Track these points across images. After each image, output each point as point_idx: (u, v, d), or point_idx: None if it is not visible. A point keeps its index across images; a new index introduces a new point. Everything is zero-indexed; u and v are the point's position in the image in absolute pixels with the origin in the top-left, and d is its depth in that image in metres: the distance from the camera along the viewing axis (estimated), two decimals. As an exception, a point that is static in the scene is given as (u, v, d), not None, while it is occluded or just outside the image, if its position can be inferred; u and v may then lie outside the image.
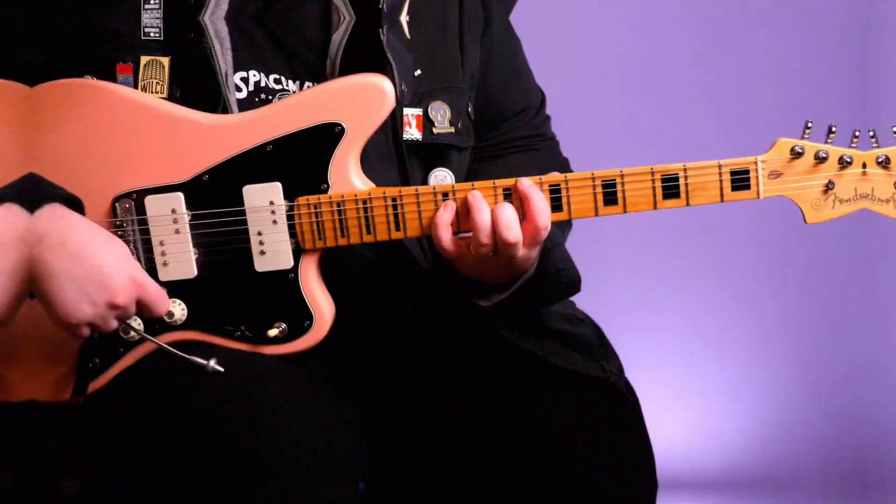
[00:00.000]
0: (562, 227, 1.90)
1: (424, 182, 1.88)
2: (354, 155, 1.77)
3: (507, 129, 2.02)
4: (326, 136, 1.76)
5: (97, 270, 1.66)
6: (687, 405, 3.93)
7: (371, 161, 1.80)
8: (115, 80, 1.78)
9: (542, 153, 2.04)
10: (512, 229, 1.71)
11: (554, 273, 1.81)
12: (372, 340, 1.90)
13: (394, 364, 1.90)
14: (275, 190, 1.77)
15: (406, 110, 1.86)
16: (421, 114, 1.87)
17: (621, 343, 1.88)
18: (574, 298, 1.94)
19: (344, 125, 1.76)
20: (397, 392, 1.89)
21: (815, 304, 3.95)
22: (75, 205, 1.70)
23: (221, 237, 1.78)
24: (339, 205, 1.77)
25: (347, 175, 1.77)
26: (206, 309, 1.79)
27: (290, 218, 1.77)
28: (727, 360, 3.94)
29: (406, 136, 1.85)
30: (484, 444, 1.80)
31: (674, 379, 3.90)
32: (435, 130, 1.88)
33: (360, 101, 1.76)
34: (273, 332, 1.78)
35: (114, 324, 1.70)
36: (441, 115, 1.88)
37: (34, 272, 1.65)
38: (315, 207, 1.77)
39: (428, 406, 1.86)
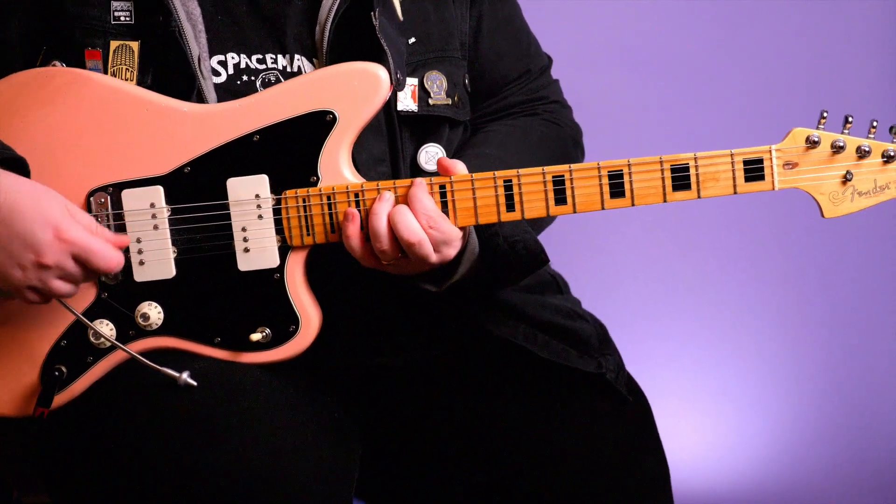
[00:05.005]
0: None
1: (415, 157, 1.81)
2: (346, 145, 1.69)
3: (503, 97, 1.95)
4: (317, 126, 1.68)
5: (22, 231, 1.59)
6: (705, 415, 3.76)
7: (359, 133, 1.72)
8: (84, 67, 1.72)
9: (539, 118, 1.96)
10: (410, 230, 1.63)
11: (506, 247, 1.73)
12: (364, 348, 1.81)
13: (389, 373, 1.81)
14: (261, 182, 1.68)
15: None
16: (416, 83, 1.80)
17: (634, 351, 1.80)
18: (584, 301, 1.87)
19: (336, 113, 1.68)
20: (393, 403, 1.81)
21: (843, 305, 3.75)
22: (18, 165, 1.63)
23: (203, 233, 1.69)
24: (329, 198, 1.68)
25: (338, 167, 1.68)
26: (184, 312, 1.70)
27: (276, 213, 1.68)
28: (748, 367, 3.74)
29: (401, 106, 1.79)
30: (481, 451, 1.73)
31: (690, 387, 3.75)
32: (431, 101, 1.82)
33: (354, 88, 1.68)
34: (256, 337, 1.69)
35: (58, 285, 1.62)
36: (437, 85, 1.82)
37: None
38: (304, 201, 1.68)
39: (427, 417, 1.78)
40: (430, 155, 1.81)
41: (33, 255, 1.59)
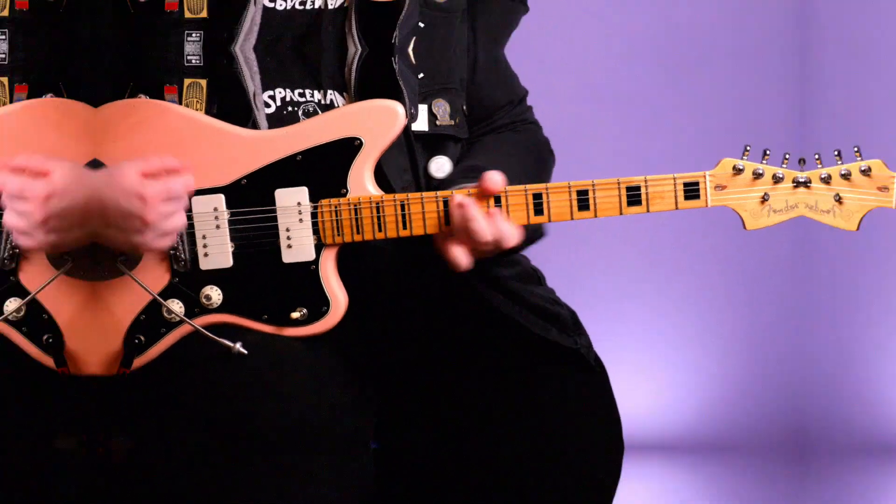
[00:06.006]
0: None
1: (426, 166, 2.09)
2: (370, 165, 1.98)
3: (493, 121, 2.22)
4: (347, 149, 1.97)
5: (113, 210, 1.76)
6: (652, 379, 4.51)
7: (381, 155, 2.00)
8: (163, 99, 1.99)
9: (522, 133, 2.23)
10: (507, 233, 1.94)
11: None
12: (382, 328, 2.09)
13: (403, 350, 2.08)
14: (302, 193, 1.93)
15: None
16: (426, 109, 2.08)
17: (598, 328, 2.12)
18: (556, 288, 2.16)
19: (362, 140, 1.97)
20: (404, 374, 2.08)
21: (759, 292, 4.55)
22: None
23: (255, 232, 1.92)
24: (355, 206, 1.97)
25: (363, 182, 1.98)
26: (239, 294, 1.92)
27: (313, 217, 1.96)
28: (687, 341, 4.53)
29: (415, 127, 2.06)
30: (480, 426, 1.98)
31: (641, 357, 4.50)
32: (438, 123, 2.09)
33: (377, 120, 1.97)
34: (295, 315, 1.95)
35: (179, 219, 1.83)
36: (442, 110, 2.09)
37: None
38: (335, 208, 1.97)
39: (429, 388, 2.06)
40: (439, 164, 2.09)
41: (139, 222, 1.78)
